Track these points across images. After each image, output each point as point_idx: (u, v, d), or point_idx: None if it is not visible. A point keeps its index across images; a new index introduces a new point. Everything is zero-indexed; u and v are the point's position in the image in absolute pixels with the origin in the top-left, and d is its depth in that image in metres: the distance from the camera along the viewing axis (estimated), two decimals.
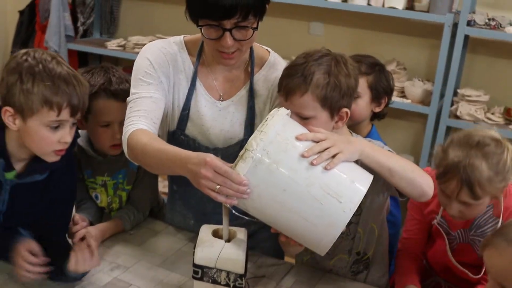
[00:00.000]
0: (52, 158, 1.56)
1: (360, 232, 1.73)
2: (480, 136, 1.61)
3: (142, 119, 1.62)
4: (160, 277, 1.66)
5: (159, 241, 1.88)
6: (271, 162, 1.34)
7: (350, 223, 1.66)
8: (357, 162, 1.47)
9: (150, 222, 2.01)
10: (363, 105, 1.94)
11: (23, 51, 1.53)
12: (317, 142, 1.40)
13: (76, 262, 1.54)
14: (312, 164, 1.35)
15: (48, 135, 1.50)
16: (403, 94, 3.30)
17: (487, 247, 1.33)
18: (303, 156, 1.35)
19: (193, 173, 1.38)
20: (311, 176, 1.35)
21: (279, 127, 1.37)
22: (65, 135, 1.53)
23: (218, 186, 1.34)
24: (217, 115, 1.76)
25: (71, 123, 1.54)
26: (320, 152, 1.37)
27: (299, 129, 1.44)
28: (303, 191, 1.34)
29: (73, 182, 1.77)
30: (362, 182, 1.39)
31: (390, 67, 3.23)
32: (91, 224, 1.85)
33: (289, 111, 1.47)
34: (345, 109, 1.57)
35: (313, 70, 1.52)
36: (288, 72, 1.57)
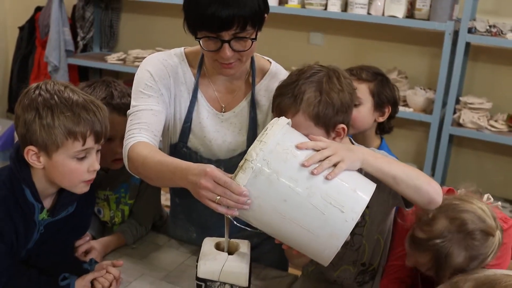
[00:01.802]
0: (82, 189, 1.54)
1: (365, 243, 1.71)
2: (471, 221, 1.47)
3: (142, 131, 1.62)
4: None
5: (162, 255, 1.87)
6: (271, 172, 1.33)
7: (354, 234, 1.67)
8: (361, 172, 1.46)
9: (152, 235, 2.00)
10: (365, 112, 1.93)
11: (34, 85, 1.50)
12: (318, 150, 1.39)
13: None
14: (312, 173, 1.34)
15: (77, 167, 1.49)
16: (405, 103, 3.30)
17: None
18: (303, 165, 1.34)
19: (193, 184, 1.37)
20: (312, 186, 1.34)
21: (279, 136, 1.37)
22: (93, 163, 1.51)
23: (218, 197, 1.34)
24: (219, 127, 1.76)
25: (96, 150, 1.53)
26: (321, 161, 1.36)
27: (300, 138, 1.43)
28: (304, 201, 1.33)
29: (93, 206, 1.80)
30: (364, 191, 1.37)
31: (391, 76, 3.23)
32: (93, 238, 1.85)
33: (289, 120, 1.46)
34: (341, 125, 1.55)
35: (303, 89, 1.51)
36: (280, 92, 1.56)
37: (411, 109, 3.26)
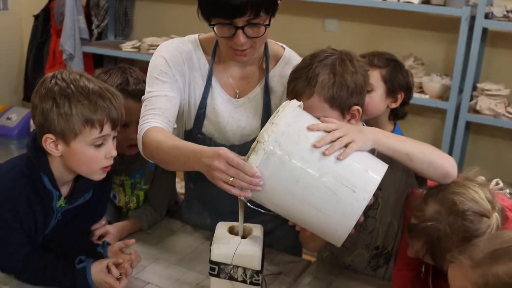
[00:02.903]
0: (99, 176, 1.57)
1: (378, 226, 1.73)
2: (461, 202, 1.45)
3: (157, 117, 1.65)
4: (177, 276, 1.68)
5: (176, 240, 1.90)
6: (283, 153, 1.35)
7: (367, 216, 1.69)
8: (374, 153, 1.47)
9: (167, 221, 2.02)
10: (377, 98, 1.93)
11: (49, 75, 1.53)
12: (329, 132, 1.41)
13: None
14: (324, 154, 1.36)
15: (95, 154, 1.51)
16: (421, 90, 3.29)
17: (452, 263, 1.28)
18: (315, 146, 1.36)
19: (207, 166, 1.39)
20: (324, 166, 1.35)
21: (290, 118, 1.38)
22: (110, 150, 1.54)
23: (231, 179, 1.36)
24: (233, 112, 1.78)
25: (113, 137, 1.56)
26: (332, 142, 1.38)
27: (311, 120, 1.45)
28: (316, 181, 1.35)
29: (109, 192, 1.83)
30: (376, 171, 1.39)
31: (407, 63, 3.22)
32: (108, 223, 1.87)
33: (300, 102, 1.48)
34: (356, 107, 1.56)
35: (317, 72, 1.52)
36: (294, 76, 1.58)
37: (427, 96, 3.24)
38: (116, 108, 1.52)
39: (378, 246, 1.76)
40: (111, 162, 1.56)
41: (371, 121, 1.94)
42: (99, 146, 1.52)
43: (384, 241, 1.75)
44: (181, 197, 2.21)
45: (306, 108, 1.52)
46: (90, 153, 1.51)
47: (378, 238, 1.75)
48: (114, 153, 1.56)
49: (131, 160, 1.96)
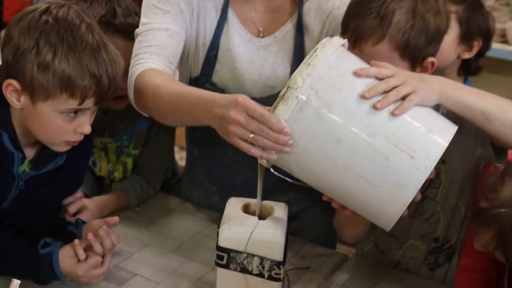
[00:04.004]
0: (61, 148, 1.57)
1: (440, 211, 1.73)
2: None
3: (154, 56, 1.64)
4: (174, 266, 1.69)
5: (174, 221, 1.91)
6: (321, 104, 1.33)
7: (425, 197, 1.68)
8: (438, 110, 1.46)
9: (162, 197, 2.03)
10: (448, 44, 1.89)
11: (44, 5, 1.48)
12: (382, 79, 1.39)
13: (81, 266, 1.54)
14: (375, 108, 1.34)
15: (63, 124, 1.50)
16: (503, 39, 3.24)
17: None
18: (363, 97, 1.34)
19: (220, 117, 1.38)
20: (374, 123, 1.34)
21: (332, 59, 1.36)
22: (84, 125, 1.52)
23: (251, 135, 1.35)
24: (255, 56, 1.77)
25: (93, 111, 1.54)
26: (386, 92, 1.36)
27: (358, 62, 1.43)
28: (363, 142, 1.33)
29: (89, 157, 1.82)
30: (442, 133, 1.37)
31: (487, 3, 3.16)
32: (86, 197, 1.88)
33: (345, 41, 1.45)
34: (431, 59, 1.56)
35: (392, 9, 1.50)
36: (358, 10, 1.55)
37: (511, 47, 3.21)
38: (109, 78, 1.49)
39: (438, 237, 1.75)
40: (79, 138, 1.54)
41: (436, 74, 1.92)
42: (72, 115, 1.50)
43: (446, 231, 1.74)
44: (180, 168, 2.22)
45: (368, 56, 1.49)
46: (57, 122, 1.49)
47: (439, 227, 1.74)
48: (87, 130, 1.53)
49: (117, 116, 1.96)
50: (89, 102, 1.49)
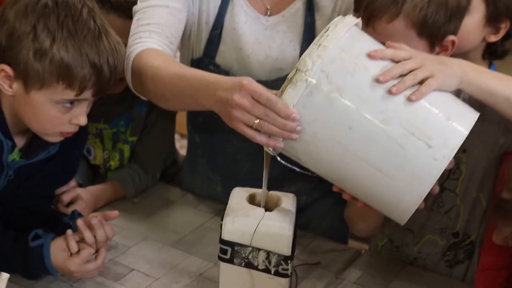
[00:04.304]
0: (54, 139, 1.57)
1: (459, 204, 1.72)
2: None
3: (153, 35, 1.65)
4: (173, 261, 1.70)
5: (174, 213, 1.93)
6: (332, 88, 1.33)
7: (443, 189, 1.69)
8: (458, 95, 1.46)
9: (161, 187, 2.05)
10: (472, 25, 1.87)
11: None
12: (398, 62, 1.38)
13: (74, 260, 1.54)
14: (390, 92, 1.33)
15: (57, 115, 1.49)
16: None
17: None
18: (378, 81, 1.34)
19: (224, 101, 1.38)
20: (389, 109, 1.33)
21: (344, 40, 1.36)
22: (79, 116, 1.52)
23: (257, 121, 1.35)
24: (261, 36, 1.77)
25: (90, 102, 1.54)
26: (402, 75, 1.36)
27: (372, 44, 1.42)
28: (377, 130, 1.33)
29: (84, 145, 1.83)
30: (462, 120, 1.36)
31: None
32: (80, 187, 1.89)
33: (359, 20, 1.45)
34: (452, 37, 1.55)
35: None
36: None
37: None
38: (111, 68, 1.49)
39: (457, 232, 1.75)
40: (74, 130, 1.55)
41: (458, 58, 1.91)
42: (67, 107, 1.50)
43: (466, 226, 1.74)
44: (181, 157, 2.23)
45: (382, 35, 1.49)
46: (52, 113, 1.49)
47: (458, 221, 1.74)
48: (83, 122, 1.53)
49: (113, 101, 1.96)
50: (87, 93, 1.49)
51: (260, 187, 1.53)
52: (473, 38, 1.90)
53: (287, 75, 1.61)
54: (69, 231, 1.55)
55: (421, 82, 1.37)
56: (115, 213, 1.66)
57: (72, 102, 1.49)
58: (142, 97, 1.69)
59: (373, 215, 1.58)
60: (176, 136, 2.19)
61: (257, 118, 1.35)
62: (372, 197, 1.42)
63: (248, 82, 1.36)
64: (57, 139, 1.57)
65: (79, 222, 1.55)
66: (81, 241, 1.56)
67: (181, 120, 2.07)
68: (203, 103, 1.47)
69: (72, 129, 1.54)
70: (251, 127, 1.36)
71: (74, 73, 1.44)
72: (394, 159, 1.34)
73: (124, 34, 1.71)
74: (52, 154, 1.65)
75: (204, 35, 1.79)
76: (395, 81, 1.35)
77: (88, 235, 1.55)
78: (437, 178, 1.34)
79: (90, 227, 1.58)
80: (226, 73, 1.78)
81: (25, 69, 1.44)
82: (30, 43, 1.43)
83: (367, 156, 1.35)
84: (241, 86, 1.35)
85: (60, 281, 1.59)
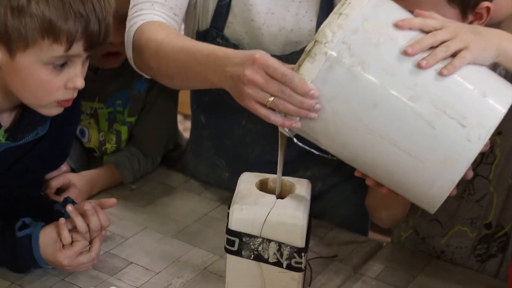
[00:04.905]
0: (52, 111, 1.55)
1: (493, 192, 1.72)
2: None
3: (156, 6, 1.65)
4: (175, 254, 1.70)
5: (176, 201, 1.92)
6: (355, 62, 1.32)
7: (476, 175, 1.67)
8: (494, 70, 1.45)
9: (162, 173, 2.05)
10: None
11: None
12: (428, 32, 1.37)
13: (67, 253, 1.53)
14: (420, 66, 1.32)
15: (50, 78, 1.47)
16: None
17: None
18: (405, 53, 1.33)
19: (235, 78, 1.38)
20: (418, 85, 1.32)
21: (368, 8, 1.35)
22: (75, 77, 1.49)
23: (271, 98, 1.34)
24: (274, 6, 1.76)
25: (84, 58, 1.52)
26: (433, 47, 1.34)
27: (399, 12, 1.41)
28: (404, 108, 1.32)
29: (77, 125, 1.83)
30: (499, 98, 1.35)
31: None
32: (72, 171, 1.90)
33: None
34: (486, 3, 1.53)
35: None
36: None
37: None
38: (99, 18, 1.46)
39: (489, 223, 1.74)
40: (72, 95, 1.53)
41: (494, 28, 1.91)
42: (59, 67, 1.48)
43: (500, 216, 1.73)
44: (185, 139, 2.22)
45: (409, 2, 1.48)
46: (43, 76, 1.47)
47: (491, 210, 1.73)
48: (80, 84, 1.51)
49: (109, 77, 1.97)
50: (78, 48, 1.46)
51: (270, 172, 1.53)
52: (508, 6, 1.89)
53: (303, 48, 1.59)
54: (61, 219, 1.54)
55: (453, 55, 1.35)
56: (112, 200, 1.64)
57: (63, 64, 1.48)
58: (144, 75, 1.69)
59: (399, 203, 1.58)
60: (179, 117, 2.19)
61: (272, 95, 1.35)
62: (399, 183, 1.42)
63: (261, 55, 1.35)
64: (55, 110, 1.55)
65: (69, 207, 1.55)
66: (73, 230, 1.55)
67: (185, 99, 2.07)
68: (212, 80, 1.47)
69: (69, 95, 1.52)
70: (264, 105, 1.36)
71: (58, 25, 1.42)
72: (423, 140, 1.33)
73: (124, 5, 1.72)
74: (41, 135, 1.64)
75: (212, 5, 1.79)
76: (425, 54, 1.34)
77: (80, 223, 1.53)
78: (472, 161, 1.33)
79: (83, 214, 1.57)
80: (235, 46, 1.77)
81: (5, 31, 1.43)
82: (6, 1, 1.42)
83: (394, 137, 1.34)
84: (253, 60, 1.35)
85: (51, 275, 1.58)
